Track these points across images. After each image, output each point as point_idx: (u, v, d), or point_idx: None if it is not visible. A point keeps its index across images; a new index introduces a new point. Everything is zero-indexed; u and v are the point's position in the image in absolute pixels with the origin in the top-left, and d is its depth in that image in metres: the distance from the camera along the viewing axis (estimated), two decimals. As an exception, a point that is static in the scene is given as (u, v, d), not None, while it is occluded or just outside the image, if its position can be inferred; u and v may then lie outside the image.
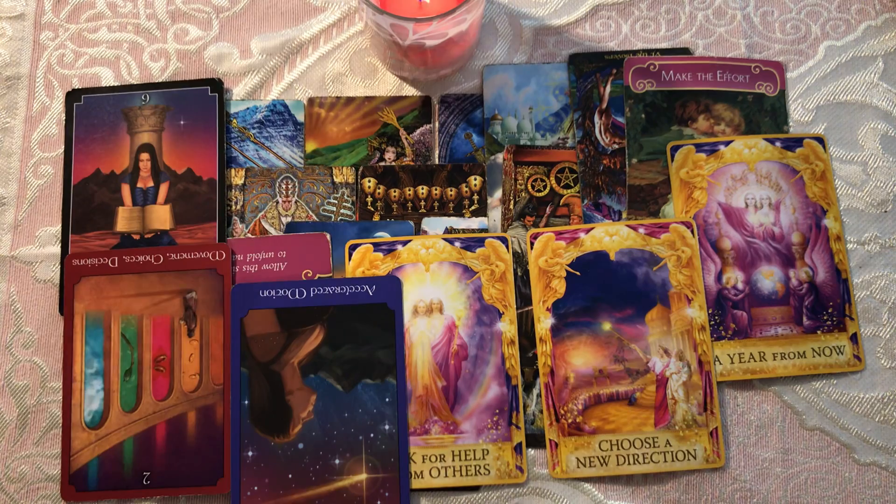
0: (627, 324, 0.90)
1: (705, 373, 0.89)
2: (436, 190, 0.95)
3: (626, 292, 0.91)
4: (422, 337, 0.90)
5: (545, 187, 0.95)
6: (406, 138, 0.97)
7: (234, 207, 0.95)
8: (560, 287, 0.91)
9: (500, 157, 0.96)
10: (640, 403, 0.89)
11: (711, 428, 0.88)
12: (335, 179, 0.95)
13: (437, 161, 0.96)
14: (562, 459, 0.88)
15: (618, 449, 0.88)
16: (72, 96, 0.97)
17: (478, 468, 0.88)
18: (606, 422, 0.88)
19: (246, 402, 0.88)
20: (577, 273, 0.91)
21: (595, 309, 0.90)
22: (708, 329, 0.90)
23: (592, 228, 0.92)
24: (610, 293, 0.91)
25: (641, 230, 0.92)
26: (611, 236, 0.92)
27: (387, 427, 0.88)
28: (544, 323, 0.90)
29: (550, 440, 0.88)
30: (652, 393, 0.89)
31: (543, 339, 0.90)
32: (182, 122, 0.96)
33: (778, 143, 0.95)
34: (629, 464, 0.88)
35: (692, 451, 0.88)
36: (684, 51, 0.98)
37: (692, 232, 0.92)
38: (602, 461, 0.88)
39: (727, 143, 0.95)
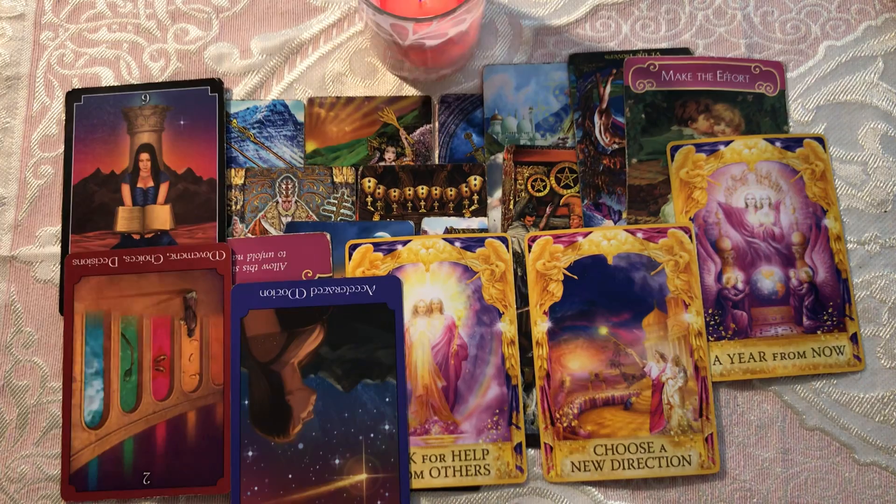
0: (624, 328, 0.90)
1: (701, 378, 0.89)
2: (436, 190, 0.95)
3: (623, 297, 0.91)
4: (422, 337, 0.90)
5: (545, 187, 0.95)
6: (406, 138, 0.97)
7: (234, 207, 0.95)
8: (557, 291, 0.91)
9: (500, 157, 0.96)
10: (636, 408, 0.89)
11: (707, 434, 0.88)
12: (335, 179, 0.95)
13: (437, 161, 0.96)
14: (556, 463, 0.88)
15: (613, 453, 0.88)
16: (72, 96, 0.97)
17: (478, 468, 0.88)
18: (602, 426, 0.88)
19: (246, 402, 0.88)
20: (575, 277, 0.91)
21: (592, 313, 0.90)
22: (705, 335, 0.90)
23: (590, 232, 0.92)
24: (607, 297, 0.91)
25: (639, 234, 0.92)
26: (608, 240, 0.92)
27: (387, 427, 0.88)
28: (541, 326, 0.90)
29: (545, 444, 0.88)
30: (647, 398, 0.89)
31: (540, 343, 0.90)
32: (182, 122, 0.96)
33: (778, 143, 0.95)
34: (624, 468, 0.88)
35: (687, 456, 0.88)
36: (684, 51, 0.98)
37: (690, 237, 0.92)
38: (597, 465, 0.88)
39: (727, 143, 0.95)
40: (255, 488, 0.87)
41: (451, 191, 0.95)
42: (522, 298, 0.92)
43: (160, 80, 0.99)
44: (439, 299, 0.91)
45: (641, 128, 0.96)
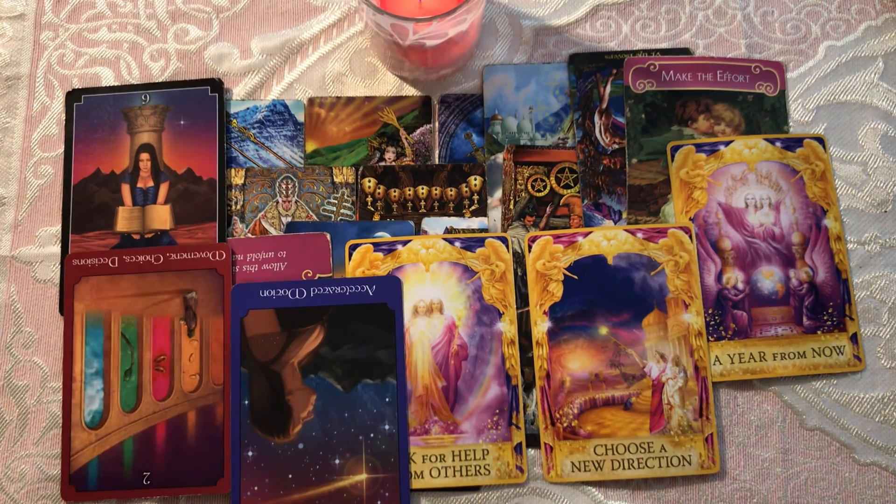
0: (624, 328, 0.90)
1: (701, 378, 0.89)
2: (436, 190, 0.95)
3: (623, 297, 0.91)
4: (422, 337, 0.90)
5: (545, 187, 0.95)
6: (406, 138, 0.97)
7: (234, 207, 0.95)
8: (557, 291, 0.91)
9: (500, 157, 0.96)
10: (636, 408, 0.89)
11: (707, 434, 0.88)
12: (335, 179, 0.95)
13: (437, 161, 0.96)
14: (556, 463, 0.88)
15: (613, 453, 0.88)
16: (72, 96, 0.97)
17: (478, 468, 0.88)
18: (602, 426, 0.88)
19: (246, 402, 0.88)
20: (575, 277, 0.91)
21: (592, 313, 0.90)
22: (705, 335, 0.90)
23: (590, 232, 0.92)
24: (607, 297, 0.91)
25: (640, 235, 0.92)
26: (609, 240, 0.92)
27: (387, 427, 0.88)
28: (541, 326, 0.90)
29: (545, 444, 0.88)
30: (647, 398, 0.89)
31: (540, 343, 0.90)
32: (182, 122, 0.96)
33: (778, 143, 0.95)
34: (624, 468, 0.88)
35: (687, 456, 0.88)
36: (684, 51, 0.98)
37: (690, 237, 0.92)
38: (597, 465, 0.88)
39: (727, 144, 0.95)
40: (255, 488, 0.87)
41: (451, 191, 0.95)
42: (522, 298, 0.92)
43: (160, 80, 0.99)
44: (439, 299, 0.91)
45: (641, 128, 0.96)
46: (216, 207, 0.94)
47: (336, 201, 0.95)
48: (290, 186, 0.95)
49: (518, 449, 0.88)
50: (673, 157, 0.95)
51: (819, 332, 0.91)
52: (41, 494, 0.90)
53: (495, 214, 0.95)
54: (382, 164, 0.96)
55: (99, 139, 0.96)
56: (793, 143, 0.95)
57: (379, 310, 0.90)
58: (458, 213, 0.95)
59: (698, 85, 0.97)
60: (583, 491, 0.89)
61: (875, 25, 0.99)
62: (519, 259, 0.93)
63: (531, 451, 0.89)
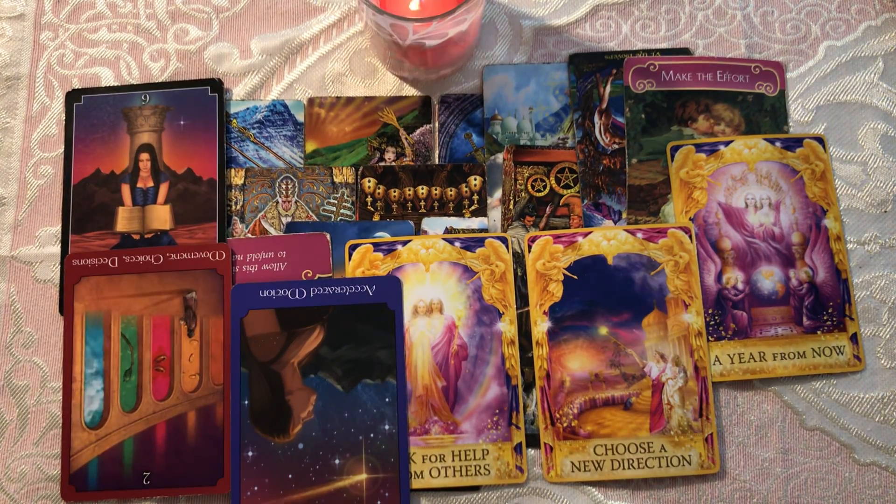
0: (624, 328, 0.90)
1: (701, 378, 0.89)
2: (436, 190, 0.95)
3: (623, 297, 0.91)
4: (422, 337, 0.90)
5: (545, 187, 0.95)
6: (406, 138, 0.97)
7: (234, 207, 0.95)
8: (557, 291, 0.91)
9: (500, 157, 0.96)
10: (636, 408, 0.89)
11: (707, 434, 0.88)
12: (335, 179, 0.95)
13: (437, 161, 0.96)
14: (556, 463, 0.88)
15: (613, 453, 0.88)
16: (72, 96, 0.97)
17: (478, 468, 0.88)
18: (602, 426, 0.88)
19: (246, 402, 0.88)
20: (575, 277, 0.91)
21: (592, 313, 0.90)
22: (705, 335, 0.90)
23: (590, 232, 0.92)
24: (607, 297, 0.91)
25: (639, 235, 0.92)
26: (608, 240, 0.92)
27: (387, 427, 0.88)
28: (541, 327, 0.90)
29: (545, 444, 0.88)
30: (647, 398, 0.89)
31: (540, 343, 0.90)
32: (182, 122, 0.96)
33: (778, 143, 0.95)
34: (624, 468, 0.88)
35: (687, 456, 0.88)
36: (684, 51, 0.98)
37: (690, 237, 0.92)
38: (597, 465, 0.88)
39: (727, 144, 0.95)
40: (255, 488, 0.87)
41: (451, 191, 0.95)
42: (522, 298, 0.92)
43: (160, 80, 0.99)
44: (439, 299, 0.91)
45: (641, 128, 0.96)
46: (216, 207, 0.94)
47: (336, 201, 0.95)
48: (289, 186, 0.95)
49: (518, 449, 0.88)
50: (673, 157, 0.95)
51: (819, 332, 0.91)
52: (41, 494, 0.90)
53: (495, 214, 0.95)
54: (382, 164, 0.96)
55: (99, 139, 0.96)
56: (793, 143, 0.95)
57: (379, 310, 0.90)
58: (458, 213, 0.95)
59: (698, 85, 0.97)
60: (583, 491, 0.89)
61: (875, 25, 0.99)
62: (519, 259, 0.93)
63: (531, 451, 0.89)
